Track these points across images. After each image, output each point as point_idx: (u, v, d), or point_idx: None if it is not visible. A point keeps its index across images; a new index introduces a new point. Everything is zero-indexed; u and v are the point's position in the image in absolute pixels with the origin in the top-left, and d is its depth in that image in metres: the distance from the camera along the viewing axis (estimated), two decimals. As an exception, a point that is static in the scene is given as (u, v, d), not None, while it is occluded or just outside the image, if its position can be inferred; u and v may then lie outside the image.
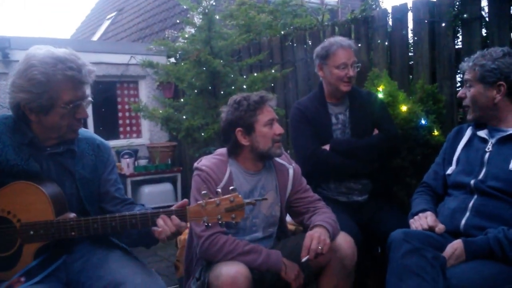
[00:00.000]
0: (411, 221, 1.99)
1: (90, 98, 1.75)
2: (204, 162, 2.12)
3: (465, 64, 2.01)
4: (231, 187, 1.62)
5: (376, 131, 2.60)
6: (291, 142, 2.63)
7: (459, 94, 2.08)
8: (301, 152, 2.55)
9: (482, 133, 2.00)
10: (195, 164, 2.14)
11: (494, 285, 1.62)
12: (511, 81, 1.90)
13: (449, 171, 2.06)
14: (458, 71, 2.99)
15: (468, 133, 2.07)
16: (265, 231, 2.19)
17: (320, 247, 1.89)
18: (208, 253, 1.96)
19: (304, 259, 1.88)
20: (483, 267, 1.68)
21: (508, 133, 1.90)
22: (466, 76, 2.00)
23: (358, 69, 2.58)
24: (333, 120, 2.62)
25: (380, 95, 2.78)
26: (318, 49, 2.63)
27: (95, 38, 11.14)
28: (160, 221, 1.60)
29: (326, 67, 2.57)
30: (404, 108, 2.71)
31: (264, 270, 1.98)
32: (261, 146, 2.10)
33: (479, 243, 1.73)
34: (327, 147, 2.54)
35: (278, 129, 2.11)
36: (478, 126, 2.05)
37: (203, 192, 1.59)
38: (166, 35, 6.57)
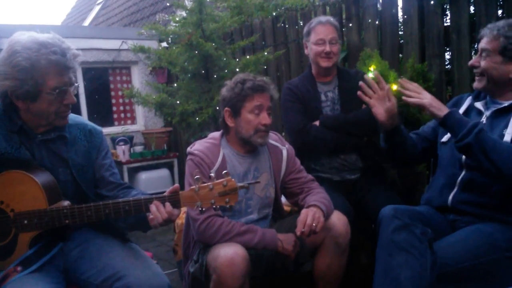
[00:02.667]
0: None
1: (77, 84, 1.73)
2: (197, 146, 2.13)
3: (487, 31, 1.88)
4: (224, 171, 1.62)
5: (364, 106, 2.61)
6: (282, 121, 2.66)
7: (471, 61, 1.96)
8: (291, 128, 2.59)
9: (479, 105, 1.98)
10: (188, 149, 2.15)
11: (478, 256, 1.66)
12: None
13: (444, 139, 2.05)
14: (447, 49, 2.99)
15: (466, 102, 2.05)
16: (260, 213, 2.21)
17: (314, 224, 1.92)
18: (205, 236, 1.98)
19: (299, 233, 1.92)
20: (468, 239, 1.72)
21: (503, 105, 1.89)
22: (485, 45, 1.87)
23: (340, 46, 2.66)
24: (322, 97, 2.66)
25: (371, 75, 2.78)
26: (304, 28, 2.73)
27: (86, 23, 10.99)
28: (152, 208, 1.61)
29: (309, 44, 2.66)
30: (394, 87, 2.71)
31: (260, 248, 2.01)
32: (243, 132, 2.10)
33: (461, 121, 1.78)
34: (317, 123, 2.57)
35: (264, 119, 2.08)
36: (477, 96, 2.03)
37: (196, 177, 1.60)
38: (157, 19, 6.51)
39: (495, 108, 1.92)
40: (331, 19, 2.65)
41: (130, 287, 1.61)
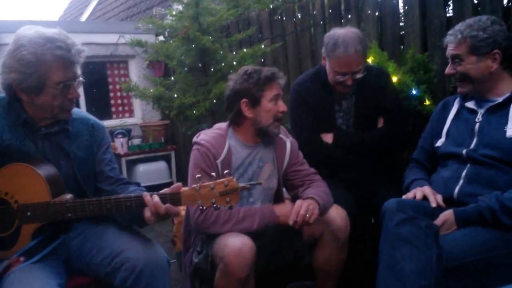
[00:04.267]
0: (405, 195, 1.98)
1: (81, 78, 1.74)
2: (203, 136, 2.13)
3: (451, 38, 1.93)
4: (225, 171, 1.62)
5: (381, 121, 2.46)
6: (287, 118, 2.56)
7: (447, 71, 1.98)
8: (303, 144, 2.38)
9: (470, 104, 1.99)
10: (194, 139, 2.15)
11: (484, 251, 1.64)
12: (504, 48, 1.87)
13: (438, 144, 2.06)
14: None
15: (455, 105, 2.06)
16: (263, 203, 2.21)
17: (308, 215, 1.93)
18: (204, 226, 1.98)
19: (291, 222, 1.92)
20: (474, 234, 1.70)
21: (497, 102, 1.90)
22: (454, 51, 1.92)
23: (363, 74, 2.29)
24: (336, 107, 2.46)
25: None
26: (328, 34, 2.33)
27: (83, 18, 10.97)
28: (147, 197, 1.60)
29: (328, 62, 2.35)
30: (394, 78, 2.71)
31: (263, 228, 2.02)
32: (263, 121, 2.10)
33: (470, 211, 1.75)
34: (328, 136, 2.43)
35: (282, 106, 2.11)
36: (465, 97, 2.04)
37: (197, 176, 1.60)
38: (154, 13, 6.49)
39: (489, 106, 1.92)
40: (359, 43, 2.22)
41: (128, 261, 1.63)
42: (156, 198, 1.59)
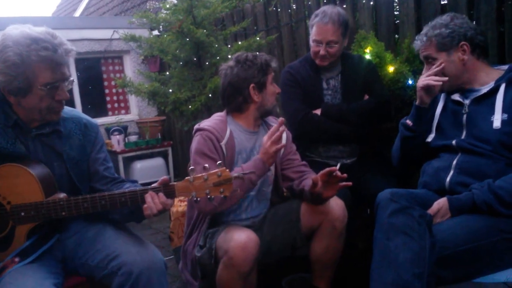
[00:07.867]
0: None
1: (72, 78, 1.72)
2: (205, 122, 2.17)
3: (419, 42, 2.02)
4: (218, 162, 1.63)
5: (366, 97, 2.58)
6: (280, 105, 2.59)
7: (424, 72, 2.04)
8: (292, 116, 2.52)
9: (456, 96, 2.00)
10: (196, 126, 2.17)
11: (478, 239, 1.65)
12: (470, 38, 1.92)
13: (429, 139, 2.07)
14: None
15: (442, 98, 2.08)
16: (260, 191, 2.23)
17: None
18: (214, 208, 1.97)
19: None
20: (467, 222, 1.70)
21: (481, 93, 1.92)
22: (426, 53, 2.00)
23: (337, 49, 2.48)
24: (324, 85, 2.59)
25: (368, 57, 2.76)
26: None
27: (77, 14, 10.92)
28: (148, 198, 1.61)
29: (310, 34, 2.54)
30: (391, 69, 2.70)
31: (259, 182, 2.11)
32: (268, 104, 2.20)
33: (463, 199, 1.76)
34: (317, 111, 2.52)
35: (277, 87, 2.25)
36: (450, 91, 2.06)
37: (190, 168, 1.62)
38: (148, 7, 6.44)
39: (474, 96, 1.93)
40: (336, 16, 2.43)
41: (125, 265, 1.63)
42: (163, 197, 1.61)
